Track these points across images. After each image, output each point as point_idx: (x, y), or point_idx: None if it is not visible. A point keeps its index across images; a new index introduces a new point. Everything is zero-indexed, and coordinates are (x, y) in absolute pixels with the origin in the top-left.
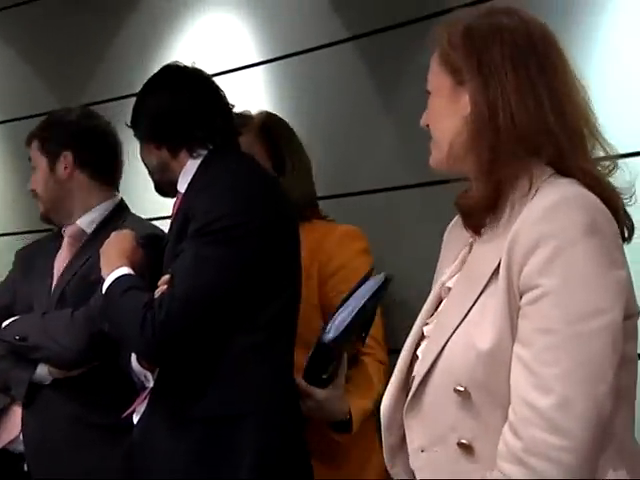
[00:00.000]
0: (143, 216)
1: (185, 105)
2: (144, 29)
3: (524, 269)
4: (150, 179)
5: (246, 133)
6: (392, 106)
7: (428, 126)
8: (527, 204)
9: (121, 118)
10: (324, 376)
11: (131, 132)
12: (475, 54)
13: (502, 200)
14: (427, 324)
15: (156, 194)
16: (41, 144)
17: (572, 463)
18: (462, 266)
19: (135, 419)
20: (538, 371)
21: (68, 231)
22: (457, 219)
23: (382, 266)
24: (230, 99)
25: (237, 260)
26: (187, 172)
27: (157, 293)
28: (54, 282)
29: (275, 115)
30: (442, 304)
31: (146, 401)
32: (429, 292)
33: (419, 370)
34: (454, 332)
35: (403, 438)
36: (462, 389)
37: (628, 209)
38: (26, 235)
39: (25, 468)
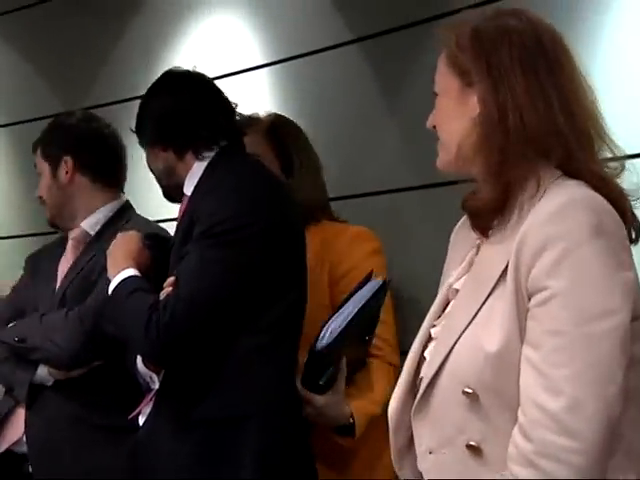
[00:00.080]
0: (147, 218)
1: (187, 105)
2: (148, 32)
3: (532, 271)
4: (154, 181)
5: (254, 134)
6: (396, 108)
7: (435, 127)
8: (535, 206)
9: (125, 121)
10: (321, 382)
11: (133, 133)
12: (484, 56)
13: (510, 202)
14: (434, 326)
15: (160, 196)
16: (43, 150)
17: (583, 465)
18: (469, 268)
19: (141, 421)
20: (548, 373)
21: (72, 234)
22: (464, 220)
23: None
24: (234, 101)
25: (241, 262)
26: (194, 175)
27: (162, 295)
28: (58, 284)
29: (283, 116)
30: (449, 306)
31: (152, 403)
32: (434, 293)
33: (427, 372)
34: (462, 334)
35: (411, 440)
36: (470, 391)
37: (636, 211)
38: (31, 238)
39: (30, 469)
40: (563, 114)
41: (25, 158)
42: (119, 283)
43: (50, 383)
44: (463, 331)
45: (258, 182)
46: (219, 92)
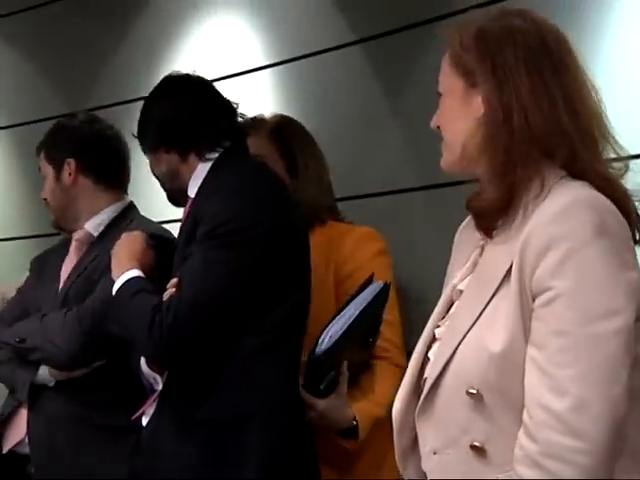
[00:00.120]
0: (151, 219)
1: (188, 107)
2: (150, 33)
3: (536, 271)
4: (156, 183)
5: (259, 135)
6: (398, 108)
7: (439, 128)
8: (539, 206)
9: (127, 122)
10: (321, 387)
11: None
12: (488, 56)
13: (514, 202)
14: (438, 326)
15: (163, 197)
16: (47, 153)
17: (589, 465)
18: (473, 268)
19: (144, 421)
20: (552, 373)
21: (76, 235)
22: (468, 221)
23: None
24: (235, 102)
25: (245, 263)
26: (197, 176)
27: (166, 296)
28: (61, 285)
29: (288, 117)
30: (454, 306)
31: (155, 404)
32: (437, 294)
33: (431, 373)
34: (466, 334)
35: (415, 441)
36: (474, 391)
37: None
38: (35, 239)
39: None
40: (567, 114)
41: (27, 159)
42: (123, 284)
43: (52, 384)
44: (467, 332)
45: (262, 183)
46: (218, 94)
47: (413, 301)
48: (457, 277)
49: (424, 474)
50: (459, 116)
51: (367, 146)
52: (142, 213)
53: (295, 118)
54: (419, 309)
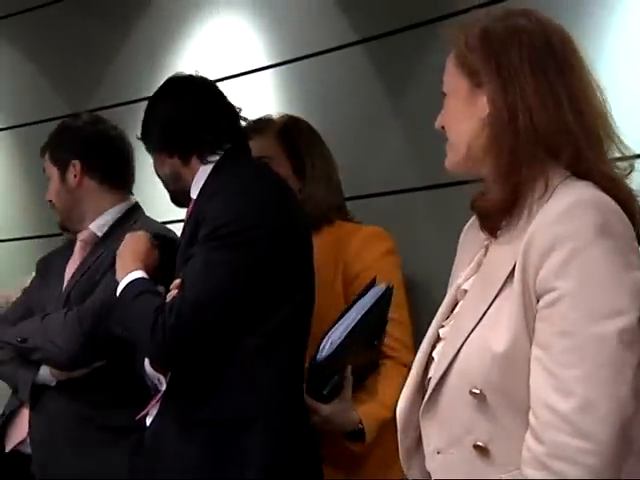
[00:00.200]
0: (155, 219)
1: (190, 111)
2: (153, 34)
3: (540, 272)
4: (159, 183)
5: (266, 136)
6: (401, 108)
7: (443, 128)
8: (543, 206)
9: (130, 122)
10: (325, 392)
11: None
12: (493, 56)
13: (519, 202)
14: (443, 326)
15: (166, 198)
16: (51, 155)
17: (597, 466)
18: (478, 268)
19: (148, 422)
20: (558, 373)
21: (81, 235)
22: (473, 221)
23: None
24: (239, 103)
25: (247, 264)
26: (199, 178)
27: (168, 297)
28: (64, 285)
29: (296, 117)
30: (458, 306)
31: (159, 404)
32: (441, 294)
33: (435, 372)
34: (470, 334)
35: (419, 440)
36: (478, 391)
37: None
38: (38, 240)
39: None
40: (572, 114)
41: (30, 160)
42: (126, 285)
43: (53, 383)
44: (471, 332)
45: (264, 185)
46: (222, 96)
47: (416, 301)
48: (461, 277)
49: (428, 474)
50: (464, 116)
51: (369, 146)
52: (146, 213)
53: None
54: (422, 309)
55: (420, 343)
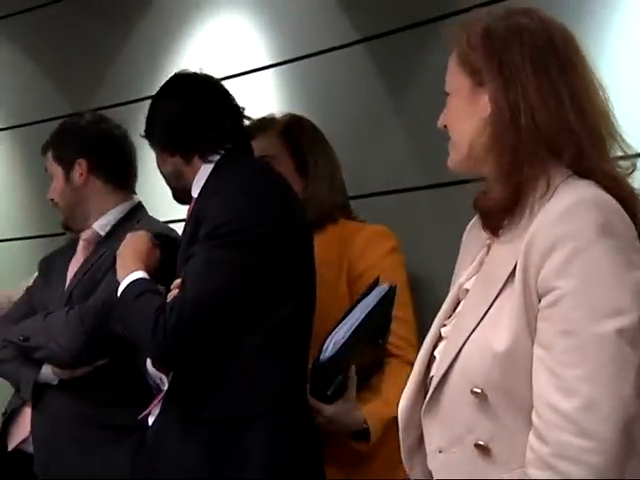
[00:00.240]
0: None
1: (193, 110)
2: (154, 34)
3: (541, 272)
4: (161, 182)
5: (269, 135)
6: (402, 107)
7: (446, 127)
8: (544, 206)
9: (131, 122)
10: (328, 393)
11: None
12: (495, 55)
13: (521, 201)
14: (445, 325)
15: (168, 197)
16: (55, 153)
17: (601, 465)
18: (480, 267)
19: (150, 421)
20: (560, 373)
21: (84, 235)
22: (475, 220)
23: None
24: (241, 102)
25: (247, 263)
26: (200, 177)
27: (169, 297)
28: (67, 284)
29: (299, 116)
30: (460, 305)
31: (160, 403)
32: (443, 292)
33: (437, 371)
34: (471, 334)
35: (421, 439)
36: (479, 391)
37: None
38: (39, 239)
39: None
40: (574, 112)
41: (31, 160)
42: (127, 285)
43: (55, 382)
44: (472, 331)
45: (264, 184)
46: (227, 94)
47: (419, 299)
48: (464, 276)
49: (430, 472)
50: (466, 115)
51: (371, 145)
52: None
53: None
54: (425, 307)
55: (424, 341)
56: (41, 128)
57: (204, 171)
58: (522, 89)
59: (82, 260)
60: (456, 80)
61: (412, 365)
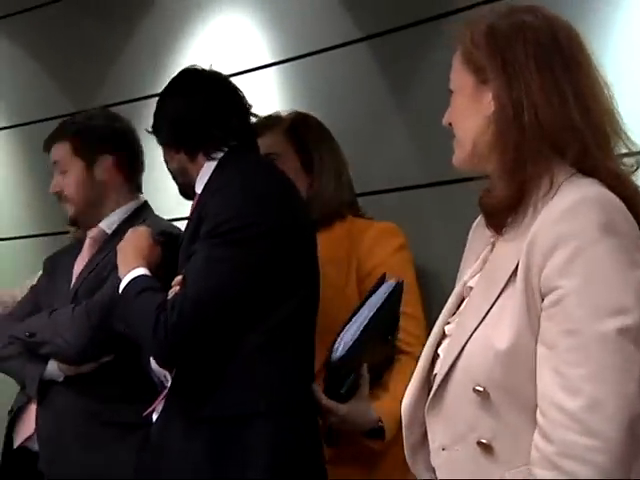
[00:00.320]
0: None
1: (200, 107)
2: (156, 33)
3: (544, 271)
4: (163, 180)
5: (275, 132)
6: (405, 105)
7: (450, 125)
8: (547, 204)
9: (133, 121)
10: (342, 391)
11: (144, 133)
12: (499, 53)
13: (524, 199)
14: (449, 323)
15: (172, 194)
16: (74, 147)
17: (607, 464)
18: (483, 265)
19: (154, 418)
20: (564, 372)
21: (90, 233)
22: (480, 218)
23: None
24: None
25: (248, 261)
26: (204, 174)
27: (170, 294)
28: (73, 282)
29: (305, 114)
30: (464, 303)
31: (164, 401)
32: (446, 290)
33: (440, 369)
34: (474, 332)
35: (424, 436)
36: (481, 389)
37: None
38: (42, 238)
39: None
40: (579, 110)
41: (34, 158)
42: (129, 283)
43: (61, 379)
44: (475, 329)
45: (267, 181)
46: (235, 91)
47: (424, 297)
48: (468, 274)
49: (433, 470)
50: (470, 113)
51: (373, 143)
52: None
53: None
54: (428, 305)
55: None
56: (44, 127)
57: (207, 168)
58: (525, 87)
59: (88, 258)
60: (460, 78)
61: None
